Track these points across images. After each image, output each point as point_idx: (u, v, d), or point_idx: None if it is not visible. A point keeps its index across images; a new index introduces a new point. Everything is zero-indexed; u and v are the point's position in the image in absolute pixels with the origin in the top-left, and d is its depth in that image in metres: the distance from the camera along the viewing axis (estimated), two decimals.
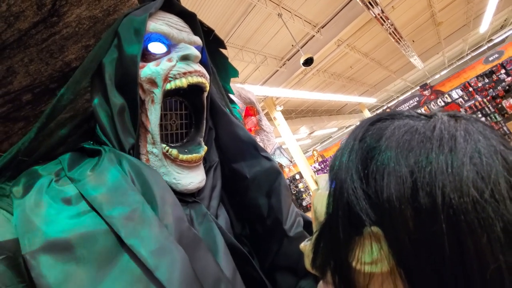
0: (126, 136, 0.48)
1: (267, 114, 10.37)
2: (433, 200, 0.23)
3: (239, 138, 0.61)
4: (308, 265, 0.35)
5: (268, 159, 0.61)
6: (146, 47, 0.50)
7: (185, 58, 0.50)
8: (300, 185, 12.86)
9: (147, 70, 0.48)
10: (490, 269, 0.20)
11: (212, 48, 1.00)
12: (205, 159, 0.60)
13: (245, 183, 0.60)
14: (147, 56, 0.50)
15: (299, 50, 7.05)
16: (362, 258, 0.27)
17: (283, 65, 8.48)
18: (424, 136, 0.26)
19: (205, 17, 5.44)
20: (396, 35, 7.76)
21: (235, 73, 1.11)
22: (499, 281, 0.20)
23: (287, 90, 9.03)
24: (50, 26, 0.59)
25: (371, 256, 0.26)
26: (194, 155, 0.51)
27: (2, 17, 0.52)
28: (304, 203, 13.29)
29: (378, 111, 19.04)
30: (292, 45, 7.67)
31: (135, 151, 0.49)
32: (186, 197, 0.51)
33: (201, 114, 0.57)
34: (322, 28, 7.52)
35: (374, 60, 11.76)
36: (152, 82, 0.48)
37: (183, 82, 0.49)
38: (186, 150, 0.53)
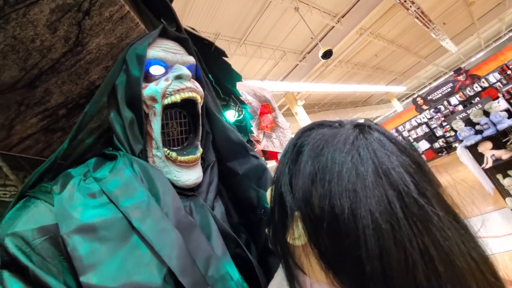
0: (136, 143, 0.59)
1: (288, 110, 10.32)
2: (325, 190, 0.30)
3: (231, 140, 0.69)
4: (270, 245, 0.43)
5: (256, 157, 0.69)
6: (148, 70, 0.61)
7: (178, 77, 0.59)
8: None
9: (148, 90, 0.58)
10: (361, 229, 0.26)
11: (215, 57, 1.10)
12: (204, 159, 0.69)
13: (238, 179, 0.69)
14: (149, 78, 0.61)
15: (318, 43, 6.94)
16: (293, 235, 0.34)
17: (302, 59, 8.39)
18: (327, 142, 0.33)
19: (222, 17, 5.56)
20: (424, 19, 7.32)
21: (238, 77, 1.20)
22: (377, 233, 0.26)
23: (308, 84, 8.93)
24: (76, 54, 0.72)
25: (297, 233, 0.33)
26: (191, 156, 0.61)
27: (37, 51, 0.65)
28: None
29: (408, 100, 18.02)
30: (312, 38, 7.56)
31: (143, 154, 0.60)
32: (186, 191, 0.61)
33: (197, 122, 0.66)
34: (342, 17, 7.31)
35: (402, 46, 11.17)
36: (153, 99, 0.58)
37: (177, 98, 0.59)
38: (185, 152, 0.63)
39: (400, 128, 11.73)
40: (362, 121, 0.36)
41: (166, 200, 0.53)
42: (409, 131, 11.24)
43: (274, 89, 8.11)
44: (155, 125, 0.59)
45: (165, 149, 0.60)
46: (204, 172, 0.67)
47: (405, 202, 0.27)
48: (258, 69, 8.07)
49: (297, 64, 8.51)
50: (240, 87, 2.68)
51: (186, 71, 0.60)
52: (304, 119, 9.06)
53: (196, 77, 0.69)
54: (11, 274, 0.43)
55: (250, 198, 0.67)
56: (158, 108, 0.59)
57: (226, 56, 1.07)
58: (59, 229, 0.46)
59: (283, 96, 9.39)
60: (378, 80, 13.54)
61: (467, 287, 0.25)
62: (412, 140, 10.52)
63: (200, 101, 0.64)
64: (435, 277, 0.24)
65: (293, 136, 0.40)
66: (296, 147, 0.36)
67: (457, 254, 0.25)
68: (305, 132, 0.37)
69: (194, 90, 0.61)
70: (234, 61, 7.12)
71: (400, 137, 0.35)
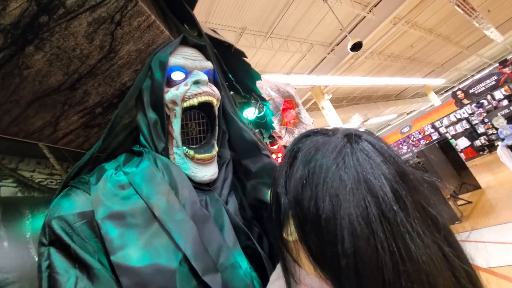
0: (159, 141, 0.66)
1: (314, 104, 10.12)
2: (312, 193, 0.33)
3: (245, 140, 0.74)
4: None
5: (268, 156, 0.73)
6: (170, 76, 0.67)
7: (196, 83, 0.65)
8: None
9: (169, 94, 0.65)
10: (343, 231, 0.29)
11: (236, 58, 1.15)
12: (220, 156, 0.75)
13: (251, 176, 0.74)
14: (170, 83, 0.67)
15: (347, 35, 6.70)
16: (287, 232, 0.38)
17: (331, 51, 8.14)
18: (317, 149, 0.36)
19: (248, 11, 5.56)
20: (465, 7, 6.74)
21: (258, 76, 1.23)
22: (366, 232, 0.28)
23: (336, 77, 8.67)
24: (109, 60, 0.80)
25: (290, 230, 0.37)
26: (207, 154, 0.66)
27: (77, 58, 0.75)
28: None
29: (447, 94, 16.74)
30: (341, 29, 7.31)
31: (165, 152, 0.67)
32: (203, 186, 0.67)
33: (213, 122, 0.72)
34: (375, 7, 6.96)
35: (441, 36, 10.36)
36: (174, 102, 0.65)
37: (194, 101, 0.64)
38: (202, 151, 0.69)
39: (437, 123, 11.01)
40: (355, 130, 0.38)
41: (183, 193, 0.60)
42: (446, 127, 10.52)
43: (300, 83, 7.99)
44: (176, 126, 0.66)
45: (184, 148, 0.66)
46: (220, 168, 0.72)
47: (381, 208, 0.29)
48: (284, 63, 7.99)
49: (325, 57, 8.28)
50: (263, 82, 2.71)
51: (203, 77, 0.65)
52: (331, 114, 8.84)
53: (214, 81, 0.74)
54: (56, 251, 0.52)
55: (262, 195, 0.72)
56: (178, 110, 0.65)
57: (246, 57, 1.11)
58: (95, 215, 0.55)
59: (309, 90, 9.21)
60: (413, 72, 12.74)
61: None
62: (450, 137, 9.84)
63: (216, 103, 0.69)
64: (402, 277, 0.27)
65: (293, 140, 0.43)
66: (292, 152, 0.39)
67: (426, 259, 0.28)
68: (302, 138, 0.41)
69: (210, 94, 0.67)
70: (260, 55, 7.11)
71: (389, 147, 0.37)
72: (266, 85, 2.55)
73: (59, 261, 0.51)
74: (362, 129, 0.40)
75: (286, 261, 0.38)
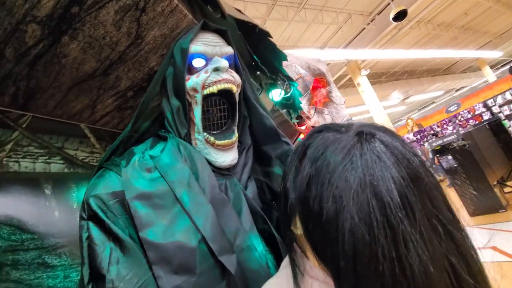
0: (181, 128, 0.69)
1: (349, 81, 9.57)
2: (318, 192, 0.32)
3: (265, 126, 0.74)
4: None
5: (287, 143, 0.73)
6: (191, 63, 0.67)
7: (216, 70, 0.65)
8: None
9: (190, 82, 0.66)
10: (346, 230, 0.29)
11: (261, 38, 1.11)
12: (241, 142, 0.76)
13: (271, 162, 0.74)
14: (192, 70, 0.68)
15: (390, 3, 6.07)
16: (296, 225, 0.38)
17: (371, 21, 7.47)
18: (327, 147, 0.34)
19: None
20: None
21: (284, 56, 1.19)
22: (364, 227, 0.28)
23: (376, 50, 8.03)
24: (137, 46, 0.83)
25: (297, 225, 0.37)
26: (227, 141, 0.68)
27: (108, 45, 0.78)
28: None
29: (504, 68, 14.70)
30: None
31: (187, 137, 0.69)
32: (223, 171, 0.69)
33: (234, 108, 0.72)
34: None
35: (500, 1, 8.93)
36: (195, 90, 0.66)
37: (214, 89, 0.65)
38: (222, 137, 0.70)
39: (490, 102, 9.85)
40: (369, 128, 0.36)
41: (203, 178, 0.63)
42: (500, 106, 9.37)
43: (335, 58, 7.55)
44: (197, 112, 0.67)
45: (205, 134, 0.68)
46: (240, 154, 0.73)
47: (386, 213, 0.28)
48: (317, 36, 7.54)
49: (364, 28, 7.65)
50: (292, 60, 2.61)
51: (223, 63, 0.65)
52: (367, 91, 8.32)
53: (235, 66, 0.73)
54: (94, 224, 0.58)
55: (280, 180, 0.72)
56: (199, 97, 0.66)
57: (271, 37, 1.07)
58: (125, 194, 0.60)
59: (344, 65, 8.68)
60: (466, 43, 11.29)
61: None
62: (503, 118, 8.80)
63: (236, 90, 0.69)
64: (401, 286, 0.26)
65: (307, 134, 0.42)
66: (303, 148, 0.38)
67: (429, 270, 0.26)
68: (314, 133, 0.39)
69: (229, 81, 0.66)
70: (292, 29, 6.78)
71: (406, 148, 0.34)
72: (295, 62, 2.46)
73: (96, 233, 0.58)
74: (379, 126, 0.37)
75: (293, 253, 0.39)
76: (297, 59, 2.57)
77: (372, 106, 8.08)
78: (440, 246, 0.28)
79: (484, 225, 3.99)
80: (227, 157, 0.69)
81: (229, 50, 0.70)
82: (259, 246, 0.61)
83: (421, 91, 14.43)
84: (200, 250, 0.55)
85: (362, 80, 8.36)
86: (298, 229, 0.38)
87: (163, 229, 0.57)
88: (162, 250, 0.55)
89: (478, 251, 0.32)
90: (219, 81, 0.65)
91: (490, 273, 0.32)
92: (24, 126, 0.92)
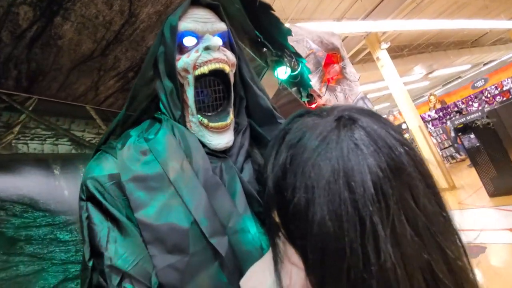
0: (175, 110, 0.67)
1: (367, 55, 9.08)
2: (291, 182, 0.30)
3: (261, 107, 0.71)
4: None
5: None
6: (182, 42, 0.64)
7: (207, 49, 0.61)
8: (405, 136, 11.37)
9: (181, 62, 0.63)
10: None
11: (263, 12, 1.05)
12: (238, 123, 0.74)
13: (267, 143, 0.73)
14: (183, 49, 0.65)
15: None
16: (274, 213, 0.37)
17: None
18: (304, 134, 0.32)
19: None
20: None
21: (288, 31, 1.13)
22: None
23: (398, 21, 7.48)
24: (131, 24, 0.80)
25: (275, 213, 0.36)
26: (221, 123, 0.66)
27: (101, 25, 0.76)
28: None
29: None
30: None
31: (182, 119, 0.68)
32: (218, 154, 0.69)
33: (229, 89, 0.69)
34: None
35: None
36: (186, 70, 0.63)
37: (205, 69, 0.62)
38: (217, 119, 0.68)
39: None
40: (351, 112, 0.33)
41: (197, 161, 0.62)
42: None
43: (353, 30, 7.13)
44: (189, 94, 0.66)
45: (199, 116, 0.67)
46: (236, 136, 0.72)
47: (357, 205, 0.26)
48: (334, 7, 7.08)
49: None
50: (304, 34, 2.48)
51: (214, 42, 0.62)
52: (387, 66, 7.88)
53: (229, 44, 0.69)
54: (92, 205, 0.60)
55: None
56: (190, 78, 0.64)
57: (273, 10, 1.01)
58: (120, 177, 0.61)
59: (363, 38, 8.20)
60: (497, 13, 10.23)
61: None
62: None
63: (228, 70, 0.66)
64: (369, 282, 0.25)
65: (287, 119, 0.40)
66: (283, 133, 0.36)
67: (399, 267, 0.25)
68: (295, 118, 0.37)
69: (221, 61, 0.63)
70: (307, 0, 6.40)
71: (391, 134, 0.31)
72: (307, 36, 2.34)
73: (95, 214, 0.60)
74: (365, 110, 0.34)
75: (275, 239, 0.39)
76: (309, 33, 2.44)
77: (392, 82, 7.70)
78: (416, 243, 0.26)
79: (504, 206, 3.86)
80: (222, 139, 0.68)
81: (222, 26, 0.66)
82: (253, 228, 0.61)
83: (446, 65, 13.52)
84: (193, 232, 0.56)
85: (382, 54, 7.91)
86: (276, 217, 0.37)
87: (157, 210, 0.58)
88: (156, 231, 0.56)
89: (466, 249, 0.30)
90: (210, 60, 0.62)
91: (479, 272, 0.30)
92: (30, 109, 0.94)
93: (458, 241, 0.30)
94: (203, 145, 0.67)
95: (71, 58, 0.85)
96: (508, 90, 9.38)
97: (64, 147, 1.01)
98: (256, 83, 0.73)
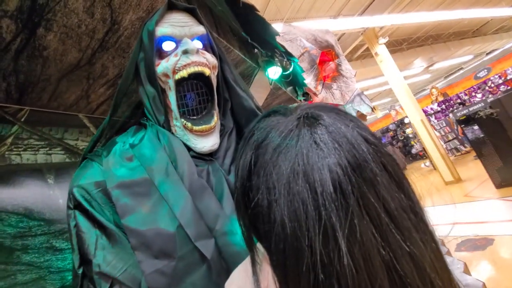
0: (159, 115, 0.68)
1: (366, 51, 9.03)
2: (255, 183, 0.30)
3: (245, 109, 0.71)
4: None
5: None
6: (161, 47, 0.65)
7: (185, 52, 0.62)
8: (408, 131, 11.25)
9: (160, 67, 0.64)
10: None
11: (249, 13, 1.05)
12: (223, 125, 0.74)
13: None
14: (162, 54, 0.65)
15: None
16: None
17: None
18: (267, 133, 0.32)
19: None
20: None
21: (275, 31, 1.12)
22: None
23: (396, 15, 7.44)
24: (115, 31, 0.81)
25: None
26: (204, 126, 0.66)
27: (85, 34, 0.77)
28: (413, 151, 11.79)
29: None
30: None
31: (166, 124, 0.69)
32: (205, 156, 0.69)
33: (212, 92, 0.70)
34: None
35: None
36: (166, 75, 0.64)
37: (184, 73, 0.62)
38: (201, 122, 0.69)
39: None
40: (313, 110, 0.32)
41: (182, 165, 0.63)
42: None
43: (350, 27, 7.10)
44: (171, 99, 0.66)
45: (182, 120, 0.67)
46: (222, 138, 0.72)
47: (317, 204, 0.26)
48: (330, 4, 7.06)
49: None
50: (297, 33, 2.48)
51: (191, 45, 0.62)
52: (386, 61, 7.83)
53: (210, 46, 0.70)
54: (80, 213, 0.61)
55: None
56: (171, 83, 0.64)
57: (257, 10, 1.01)
58: (106, 184, 0.61)
59: (361, 34, 8.16)
60: (498, 0, 10.15)
61: None
62: None
63: (209, 73, 0.66)
64: (331, 281, 0.24)
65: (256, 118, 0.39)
66: (250, 134, 0.36)
67: (360, 266, 0.24)
68: (262, 118, 0.37)
69: (200, 64, 0.64)
70: None
71: (354, 131, 0.31)
72: (300, 35, 2.34)
73: (82, 222, 0.61)
74: (330, 107, 0.34)
75: (248, 238, 0.39)
76: (303, 32, 2.44)
77: (392, 77, 7.64)
78: (377, 241, 0.25)
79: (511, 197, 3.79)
80: (207, 143, 0.68)
81: (200, 29, 0.67)
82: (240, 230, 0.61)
83: (447, 57, 13.37)
84: (179, 236, 0.57)
85: (381, 49, 7.86)
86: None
87: (143, 216, 0.58)
88: (142, 236, 0.56)
89: (438, 245, 0.29)
90: (189, 64, 0.62)
91: (455, 271, 0.29)
92: (22, 120, 0.95)
93: (429, 238, 0.29)
94: (189, 148, 0.67)
95: (58, 68, 0.86)
96: None
97: (58, 156, 1.02)
98: (239, 84, 0.73)
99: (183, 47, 0.62)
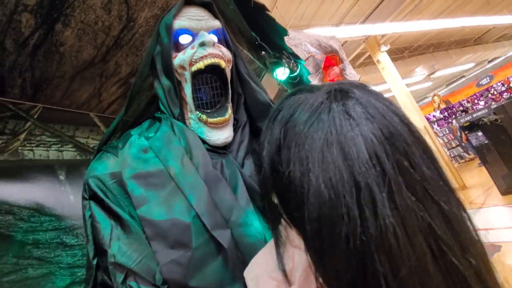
0: (174, 107, 0.69)
1: (368, 58, 9.10)
2: (285, 157, 0.30)
3: (259, 102, 0.72)
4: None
5: None
6: (178, 40, 0.66)
7: (202, 44, 0.63)
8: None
9: (177, 59, 0.65)
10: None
11: (259, 13, 1.07)
12: (237, 119, 0.75)
13: None
14: (179, 47, 0.66)
15: None
16: (272, 195, 0.36)
17: None
18: (296, 108, 0.32)
19: None
20: None
21: (284, 32, 1.14)
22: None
23: (397, 23, 7.52)
24: (130, 29, 0.83)
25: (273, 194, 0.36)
26: (219, 118, 0.67)
27: (101, 30, 0.79)
28: None
29: None
30: None
31: (181, 117, 0.69)
32: (218, 149, 0.69)
33: (226, 85, 0.70)
34: None
35: None
36: (182, 67, 0.65)
37: (201, 65, 0.63)
38: (215, 115, 0.69)
39: None
40: (341, 85, 0.33)
41: (197, 156, 0.63)
42: None
43: (353, 34, 7.17)
44: (187, 91, 0.67)
45: (197, 112, 0.68)
46: (236, 131, 0.73)
47: (352, 171, 0.26)
48: (333, 12, 7.15)
49: (383, 0, 7.16)
50: (302, 38, 2.51)
51: (209, 38, 0.63)
52: (388, 68, 7.88)
53: (225, 41, 0.71)
54: (95, 204, 0.61)
55: None
56: (187, 75, 0.65)
57: (268, 10, 1.03)
58: (122, 175, 0.62)
59: (363, 42, 8.24)
60: (500, 8, 10.21)
61: (402, 274, 0.24)
62: None
63: (224, 65, 0.67)
64: (368, 250, 0.24)
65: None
66: (276, 112, 0.37)
67: (399, 233, 0.24)
68: (287, 97, 0.37)
69: (217, 56, 0.65)
70: (305, 6, 6.49)
71: (384, 104, 0.31)
72: (305, 40, 2.37)
73: (98, 212, 0.61)
74: (357, 83, 0.34)
75: (275, 222, 0.39)
76: (307, 37, 2.47)
77: (394, 84, 7.67)
78: (415, 205, 0.26)
79: None
80: (221, 135, 0.68)
81: (216, 24, 0.68)
82: (256, 222, 0.61)
83: (449, 65, 13.43)
84: (195, 226, 0.57)
85: (383, 57, 7.91)
86: (274, 198, 0.37)
87: (158, 207, 0.58)
88: (158, 227, 0.56)
89: (473, 221, 0.30)
90: (206, 56, 0.63)
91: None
92: (36, 116, 0.97)
93: (461, 207, 0.29)
94: (203, 141, 0.68)
95: (73, 65, 0.88)
96: None
97: (69, 153, 1.03)
98: (252, 78, 0.74)
99: (200, 39, 0.63)
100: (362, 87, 0.33)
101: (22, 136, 0.91)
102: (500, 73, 10.25)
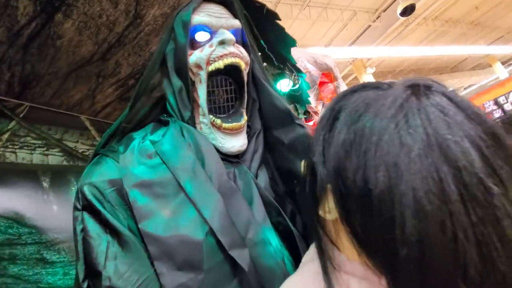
0: (184, 110, 0.63)
1: (354, 79, 9.48)
2: (360, 162, 0.26)
3: (276, 108, 0.67)
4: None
5: (302, 126, 0.66)
6: (194, 37, 0.61)
7: (222, 43, 0.59)
8: None
9: (193, 57, 0.60)
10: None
11: (268, 21, 1.05)
12: (250, 127, 0.70)
13: (284, 148, 0.67)
14: (195, 45, 0.62)
15: None
16: (324, 209, 0.31)
17: (376, 18, 7.37)
18: (368, 106, 0.28)
19: None
20: None
21: (293, 42, 1.13)
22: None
23: (382, 48, 7.93)
24: (136, 26, 0.78)
25: (329, 207, 0.30)
26: (235, 124, 0.61)
27: (105, 25, 0.73)
28: None
29: None
30: None
31: (191, 121, 0.63)
32: (231, 158, 0.63)
33: (242, 89, 0.66)
34: None
35: None
36: (199, 66, 0.60)
37: (220, 64, 0.58)
38: (229, 120, 0.64)
39: (502, 99, 9.61)
40: (422, 80, 0.29)
41: (210, 165, 0.56)
42: None
43: (340, 56, 7.47)
44: (201, 92, 0.61)
45: (211, 116, 0.62)
46: (250, 140, 0.67)
47: (464, 181, 0.22)
48: (322, 34, 7.46)
49: (370, 26, 7.54)
50: (299, 54, 2.55)
51: (229, 36, 0.59)
52: None
53: (242, 42, 0.67)
54: (89, 215, 0.53)
55: (295, 168, 0.66)
56: (203, 75, 0.60)
57: (279, 19, 1.01)
58: (123, 183, 0.54)
59: (349, 63, 8.60)
60: (476, 39, 11.04)
61: None
62: None
63: (244, 67, 0.63)
64: (492, 277, 0.20)
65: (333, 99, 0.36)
66: (333, 113, 0.31)
67: None
68: (346, 95, 0.32)
69: (237, 56, 0.60)
70: (296, 26, 6.72)
71: (472, 102, 0.27)
72: (302, 57, 2.40)
73: (92, 225, 0.52)
74: (430, 79, 0.30)
75: (323, 243, 0.33)
76: (304, 53, 2.51)
77: None
78: None
79: None
80: (236, 142, 0.63)
81: (236, 23, 0.64)
82: (274, 240, 0.54)
83: None
84: (208, 244, 0.49)
85: (368, 79, 8.26)
86: (329, 213, 0.31)
87: (165, 220, 0.51)
88: (164, 244, 0.49)
89: None
90: (226, 55, 0.59)
91: None
92: (21, 116, 0.88)
93: None
94: (215, 149, 0.62)
95: (69, 61, 0.81)
96: (491, 112, 9.82)
97: (55, 158, 0.93)
98: (270, 83, 0.70)
99: (220, 37, 0.59)
100: (443, 85, 0.29)
101: (5, 136, 0.82)
102: (476, 99, 10.86)
